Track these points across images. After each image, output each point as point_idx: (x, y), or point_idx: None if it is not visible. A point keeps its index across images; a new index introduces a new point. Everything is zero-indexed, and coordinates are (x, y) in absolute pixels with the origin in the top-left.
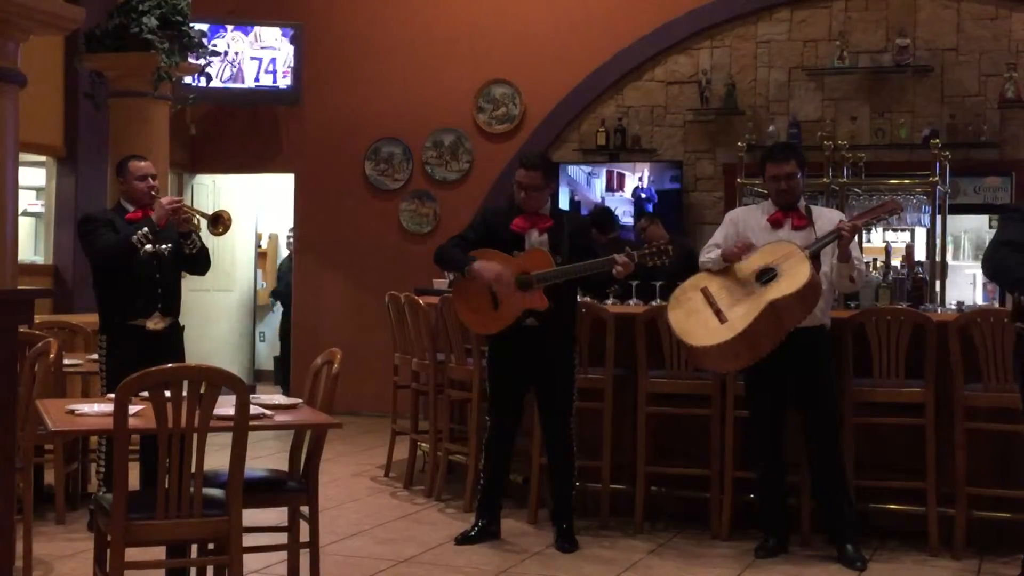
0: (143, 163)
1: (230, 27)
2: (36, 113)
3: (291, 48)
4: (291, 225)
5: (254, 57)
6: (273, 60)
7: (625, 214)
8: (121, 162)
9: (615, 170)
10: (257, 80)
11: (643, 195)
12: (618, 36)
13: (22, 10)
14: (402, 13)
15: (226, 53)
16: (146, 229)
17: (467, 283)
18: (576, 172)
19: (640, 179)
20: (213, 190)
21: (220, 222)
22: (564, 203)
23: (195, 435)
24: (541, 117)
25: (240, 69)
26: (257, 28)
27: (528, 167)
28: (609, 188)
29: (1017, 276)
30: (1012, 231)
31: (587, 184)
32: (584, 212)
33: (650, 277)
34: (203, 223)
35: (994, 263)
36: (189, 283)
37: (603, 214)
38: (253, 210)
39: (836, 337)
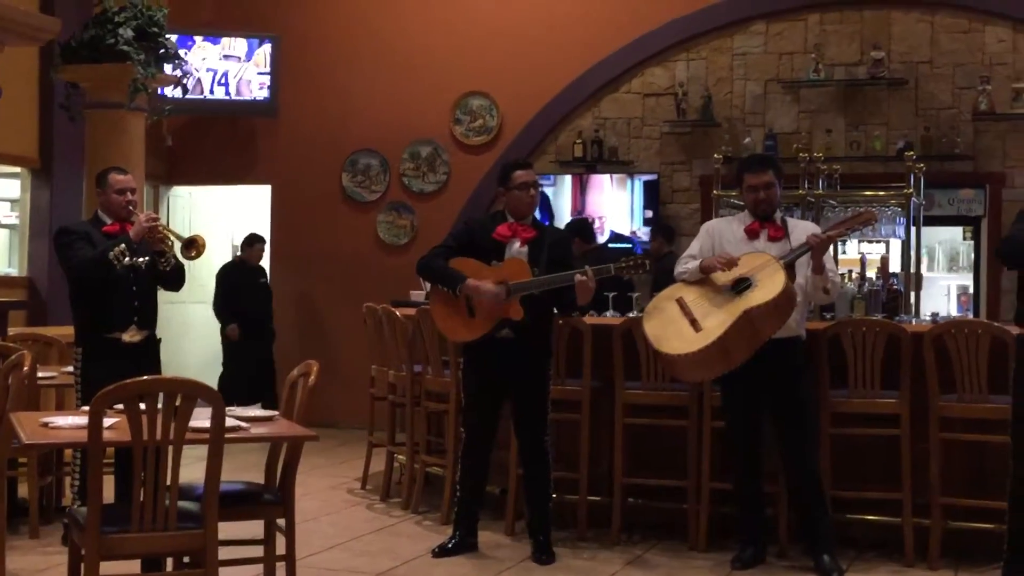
0: (124, 176)
1: (199, 38)
2: (11, 124)
3: (268, 59)
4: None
5: (223, 69)
6: (245, 71)
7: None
8: (101, 174)
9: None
10: (229, 93)
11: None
12: (595, 48)
13: None
14: (379, 25)
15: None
16: (123, 246)
17: (445, 293)
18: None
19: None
20: (189, 202)
21: (194, 246)
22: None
23: (170, 448)
24: (518, 129)
25: (215, 80)
26: (230, 39)
27: (526, 167)
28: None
29: None
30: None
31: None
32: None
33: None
34: (177, 245)
35: (1015, 240)
36: (165, 296)
37: (583, 224)
38: (229, 222)
39: (811, 348)
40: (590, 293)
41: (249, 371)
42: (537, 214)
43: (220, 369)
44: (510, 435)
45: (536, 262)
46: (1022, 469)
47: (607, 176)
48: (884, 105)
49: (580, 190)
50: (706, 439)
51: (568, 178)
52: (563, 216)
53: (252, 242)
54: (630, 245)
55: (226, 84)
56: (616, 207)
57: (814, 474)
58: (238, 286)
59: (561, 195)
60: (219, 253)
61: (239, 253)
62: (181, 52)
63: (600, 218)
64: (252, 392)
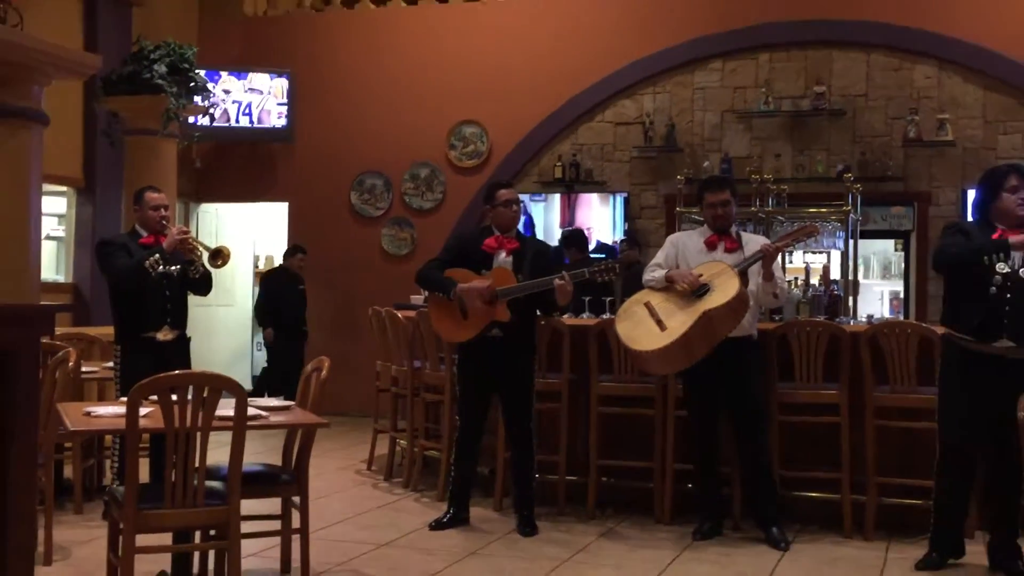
0: (158, 195)
1: (225, 73)
2: (58, 148)
3: (285, 92)
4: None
5: (247, 100)
6: (266, 102)
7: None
8: (138, 192)
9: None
10: (252, 121)
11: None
12: (573, 82)
13: (46, 58)
14: (383, 62)
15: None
16: (157, 256)
17: (441, 298)
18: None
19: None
20: (216, 217)
21: (220, 256)
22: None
23: (199, 434)
24: (505, 153)
25: (239, 110)
26: (252, 74)
27: (508, 186)
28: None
29: (974, 247)
30: (951, 234)
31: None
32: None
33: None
34: (205, 255)
35: (945, 250)
36: (194, 299)
37: (578, 235)
38: (251, 235)
39: (762, 346)
40: (569, 295)
41: (285, 366)
42: (521, 227)
43: (244, 364)
44: (498, 422)
45: (519, 270)
46: (946, 452)
47: (594, 195)
48: (825, 133)
49: (568, 206)
50: (670, 426)
51: (558, 196)
52: (554, 229)
53: (294, 252)
54: (606, 254)
55: (249, 113)
56: (600, 221)
57: (764, 457)
58: (278, 291)
59: (551, 211)
60: (242, 262)
61: (282, 261)
62: (209, 85)
63: (588, 229)
64: (287, 386)
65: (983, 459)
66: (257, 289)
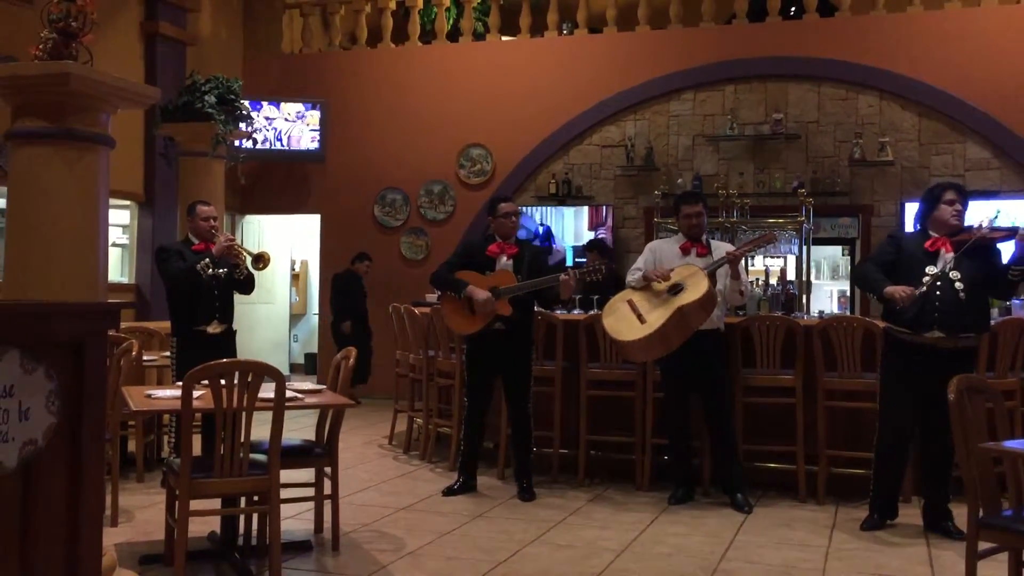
0: (207, 207)
1: (266, 103)
2: (122, 168)
3: (318, 119)
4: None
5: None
6: (301, 128)
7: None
8: (191, 205)
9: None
10: (289, 144)
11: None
12: (566, 111)
13: (112, 90)
14: (402, 93)
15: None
16: (207, 260)
17: (452, 297)
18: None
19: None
20: (258, 227)
21: (261, 260)
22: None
23: (244, 413)
24: (507, 172)
25: (278, 135)
26: (289, 104)
27: (508, 201)
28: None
29: (875, 285)
30: (879, 252)
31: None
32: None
33: (591, 293)
34: (248, 260)
35: (857, 274)
36: (240, 298)
37: (599, 242)
38: (288, 242)
39: (728, 337)
40: (572, 289)
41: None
42: (538, 241)
43: (282, 354)
44: (501, 403)
45: (519, 270)
46: (885, 428)
47: (603, 207)
48: (783, 154)
49: (593, 216)
50: (649, 406)
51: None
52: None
53: (361, 258)
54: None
55: (287, 138)
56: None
57: (729, 433)
58: (348, 291)
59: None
60: (281, 266)
61: (351, 265)
62: (252, 114)
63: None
64: (358, 373)
65: (919, 436)
66: (293, 290)
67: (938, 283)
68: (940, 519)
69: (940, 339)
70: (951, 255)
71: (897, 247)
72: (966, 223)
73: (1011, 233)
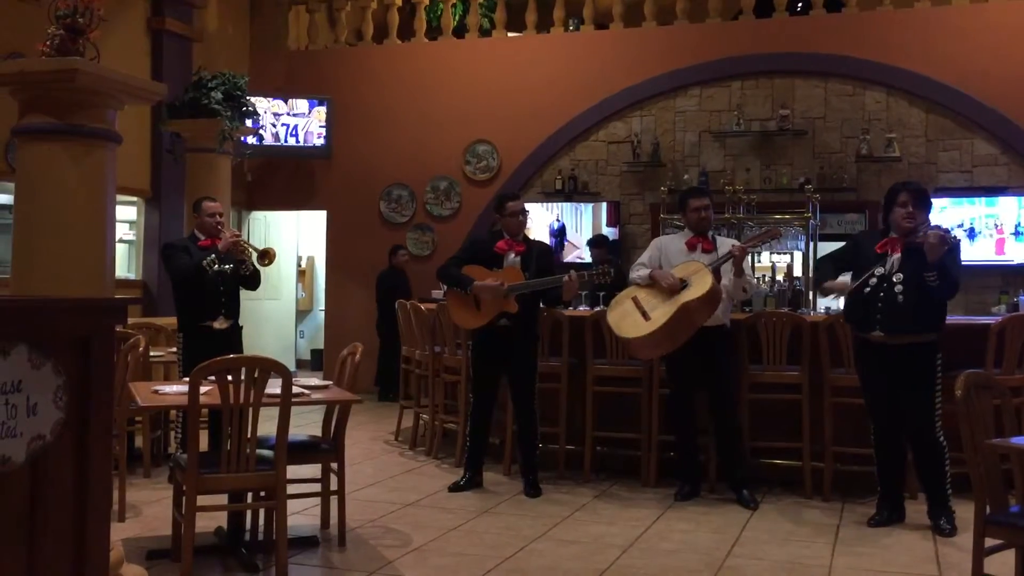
0: (213, 204)
1: (271, 99)
2: (129, 164)
3: (324, 115)
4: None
5: (291, 123)
6: (308, 124)
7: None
8: (197, 201)
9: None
10: (296, 140)
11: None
12: (572, 107)
13: (119, 87)
14: (408, 89)
15: (261, 124)
16: (213, 256)
17: (458, 292)
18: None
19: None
20: (265, 223)
21: (267, 256)
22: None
23: (250, 409)
24: (513, 168)
25: (285, 132)
26: (296, 100)
27: (516, 199)
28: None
29: (818, 280)
30: (839, 250)
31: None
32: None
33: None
34: (254, 256)
35: (814, 268)
36: (246, 293)
37: (603, 238)
38: (295, 238)
39: (734, 334)
40: (573, 291)
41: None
42: (551, 240)
43: (289, 350)
44: (507, 400)
45: (527, 268)
46: (872, 423)
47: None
48: (789, 150)
49: (611, 213)
50: (655, 403)
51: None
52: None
53: (396, 251)
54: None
55: (295, 134)
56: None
57: (735, 429)
58: (396, 287)
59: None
60: (287, 262)
61: (390, 261)
62: (258, 110)
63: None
64: (391, 383)
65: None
66: (299, 285)
67: (883, 284)
68: (932, 515)
69: (882, 338)
70: (897, 256)
71: (855, 246)
72: (932, 224)
73: (941, 241)
